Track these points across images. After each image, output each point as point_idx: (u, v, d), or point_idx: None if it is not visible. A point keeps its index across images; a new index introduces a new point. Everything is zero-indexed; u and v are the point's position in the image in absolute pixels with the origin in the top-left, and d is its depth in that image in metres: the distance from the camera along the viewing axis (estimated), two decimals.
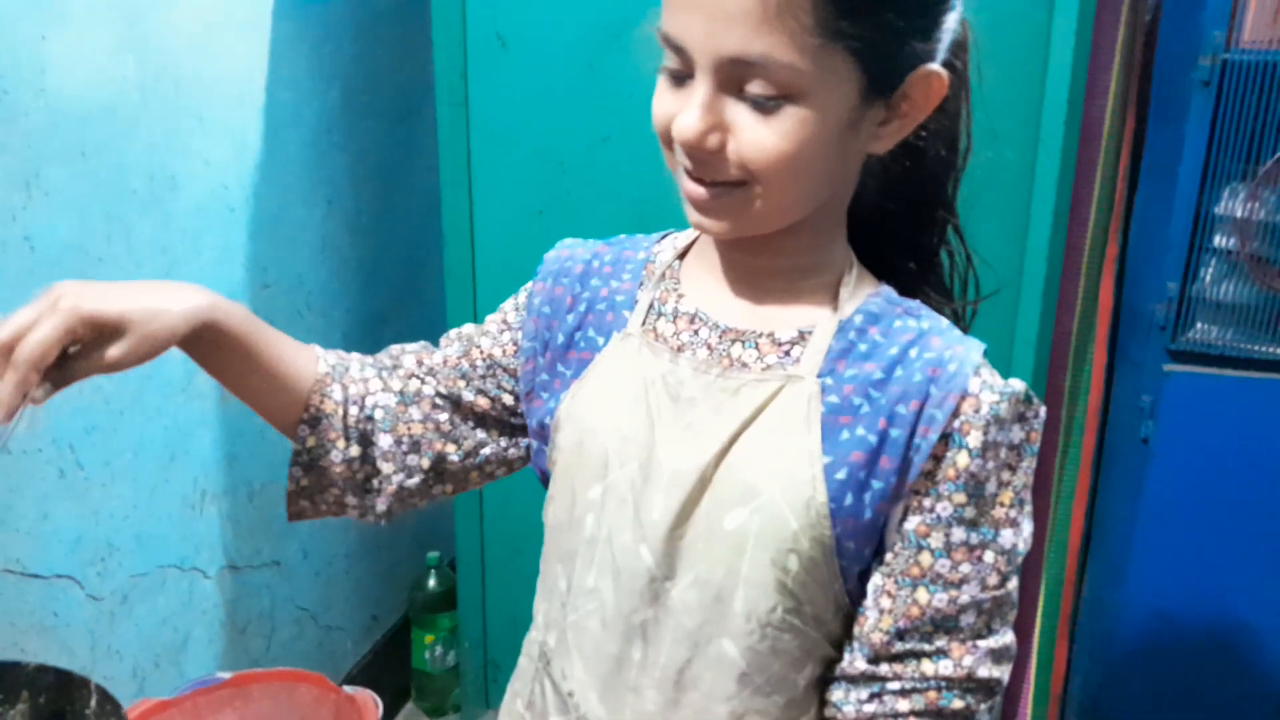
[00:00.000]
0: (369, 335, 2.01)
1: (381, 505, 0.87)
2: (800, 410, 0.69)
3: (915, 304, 0.73)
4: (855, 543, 0.69)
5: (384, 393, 0.85)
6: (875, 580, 0.70)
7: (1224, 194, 1.69)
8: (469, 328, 0.89)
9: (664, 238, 0.84)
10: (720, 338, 0.73)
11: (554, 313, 0.82)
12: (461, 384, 0.86)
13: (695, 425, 0.71)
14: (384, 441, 0.85)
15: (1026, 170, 1.54)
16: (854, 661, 0.70)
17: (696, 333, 0.75)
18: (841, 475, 0.67)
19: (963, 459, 0.66)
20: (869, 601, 0.70)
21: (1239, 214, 1.68)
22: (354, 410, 0.84)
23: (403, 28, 1.99)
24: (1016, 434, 0.68)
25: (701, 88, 0.63)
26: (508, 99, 1.62)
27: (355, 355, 0.88)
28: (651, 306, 0.77)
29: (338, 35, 1.81)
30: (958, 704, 0.68)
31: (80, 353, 0.70)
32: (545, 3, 1.57)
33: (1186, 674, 1.87)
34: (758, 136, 0.63)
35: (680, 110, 0.65)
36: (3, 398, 0.66)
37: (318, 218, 1.81)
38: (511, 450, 0.88)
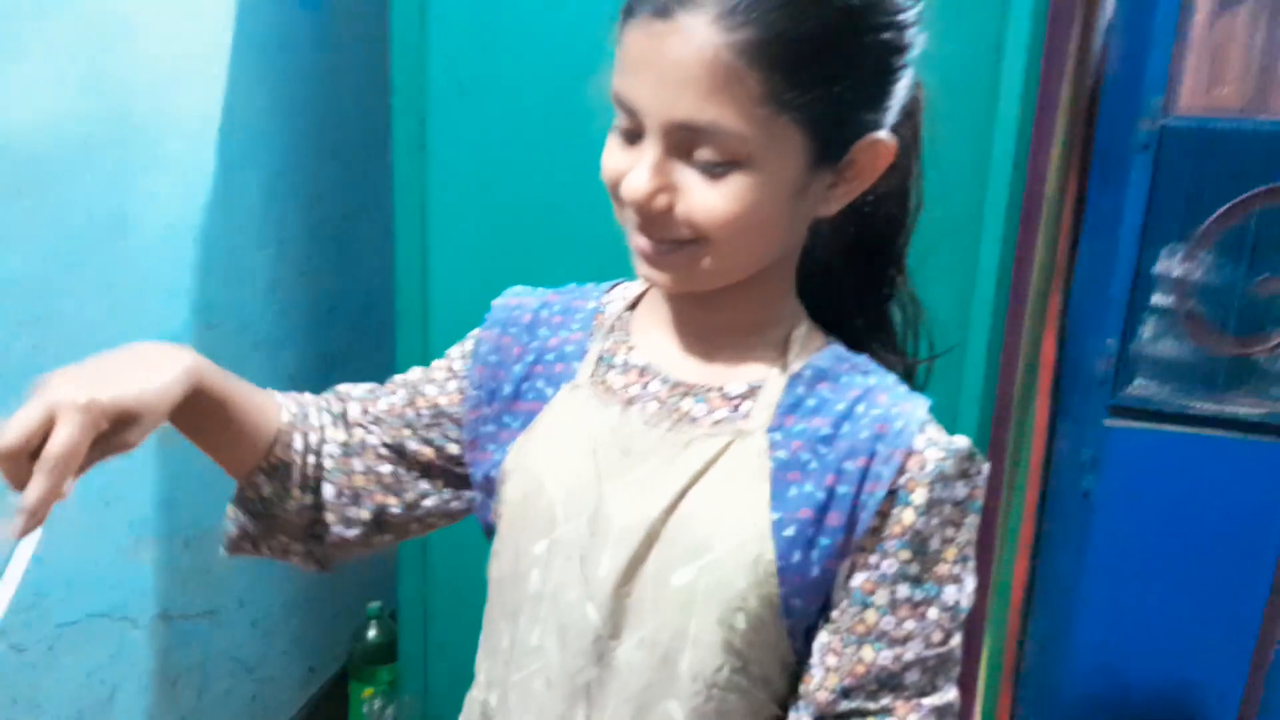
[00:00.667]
0: (317, 378, 1.97)
1: (323, 553, 0.86)
2: (749, 465, 0.69)
3: (863, 359, 0.74)
4: (803, 600, 0.68)
5: (334, 443, 0.84)
6: (821, 638, 0.69)
7: (1162, 254, 1.75)
8: (414, 373, 0.87)
9: (614, 287, 0.84)
10: (670, 391, 0.73)
11: (501, 362, 0.81)
12: (406, 433, 0.84)
13: (645, 480, 0.71)
14: (328, 491, 0.83)
15: (973, 229, 1.57)
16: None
17: (646, 385, 0.74)
18: (790, 532, 0.67)
19: (908, 516, 0.67)
20: (815, 659, 0.69)
21: (1177, 273, 1.74)
22: (311, 460, 0.83)
23: (363, 72, 2.00)
24: (960, 491, 0.68)
25: (651, 149, 0.64)
26: (466, 145, 1.63)
27: (309, 398, 0.86)
28: (601, 358, 0.77)
29: (296, 78, 1.81)
30: None
31: (96, 442, 0.66)
32: (506, 52, 1.58)
33: None
34: (705, 200, 0.64)
35: (630, 169, 0.65)
36: (32, 504, 0.64)
37: (268, 259, 1.78)
38: (454, 502, 0.87)
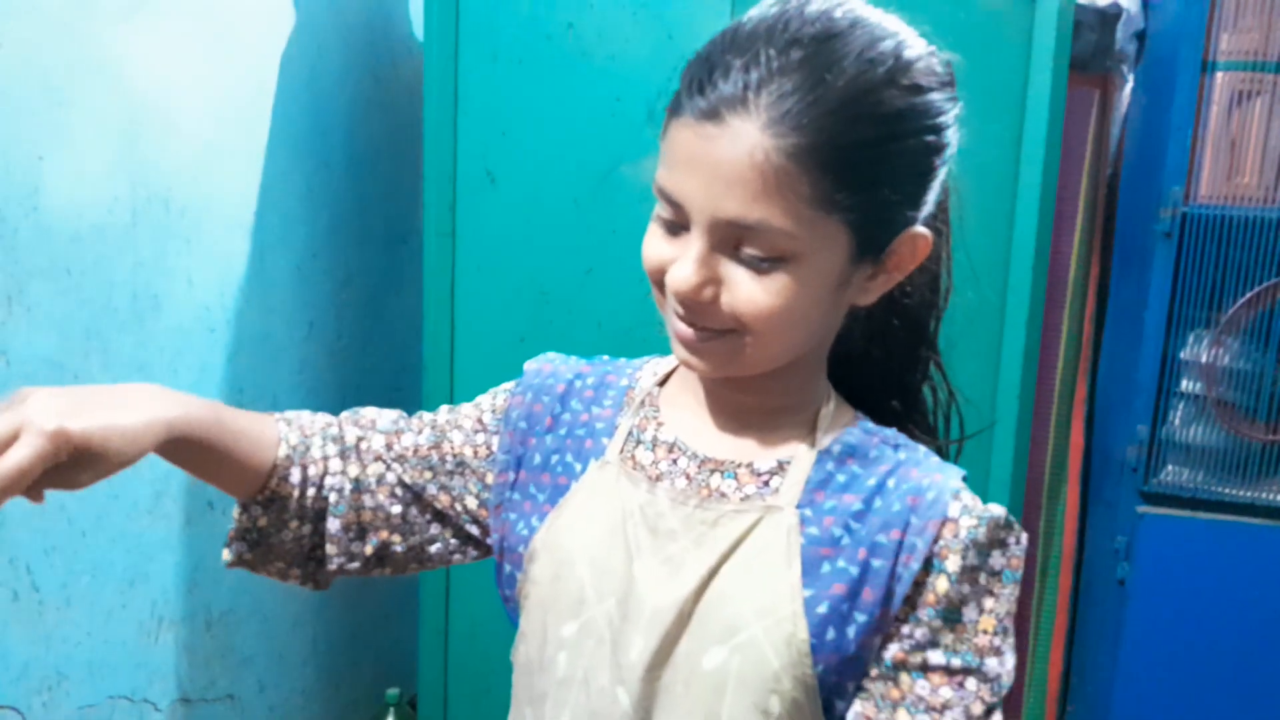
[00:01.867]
0: None
1: (321, 577, 0.87)
2: (780, 542, 0.68)
3: (892, 433, 0.74)
4: (839, 677, 0.67)
5: (342, 475, 0.83)
6: (855, 707, 0.68)
7: (1189, 340, 1.74)
8: (441, 414, 0.86)
9: (646, 363, 0.84)
10: (699, 467, 0.73)
11: (530, 429, 0.81)
12: (428, 475, 0.83)
13: (675, 558, 0.70)
14: (333, 526, 0.83)
15: (996, 314, 1.58)
16: None
17: (675, 462, 0.74)
18: (823, 609, 0.66)
19: (942, 584, 0.66)
20: None
21: (1204, 359, 1.73)
22: (310, 491, 0.81)
23: (395, 160, 2.05)
24: (997, 560, 0.67)
25: (697, 243, 0.65)
26: (494, 231, 1.66)
27: (319, 425, 0.84)
28: (630, 434, 0.77)
29: (331, 165, 1.86)
30: None
31: (52, 470, 0.66)
32: (534, 142, 1.63)
33: None
34: (751, 294, 0.64)
35: (674, 259, 0.66)
36: None
37: (298, 339, 1.81)
38: (457, 554, 0.86)
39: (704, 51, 0.65)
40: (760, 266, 0.64)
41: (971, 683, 0.67)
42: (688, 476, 0.73)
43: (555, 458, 0.79)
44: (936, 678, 0.66)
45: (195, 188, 1.49)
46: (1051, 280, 1.69)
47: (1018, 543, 0.68)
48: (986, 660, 0.67)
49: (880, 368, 0.79)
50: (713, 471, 0.73)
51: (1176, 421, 1.77)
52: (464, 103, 1.63)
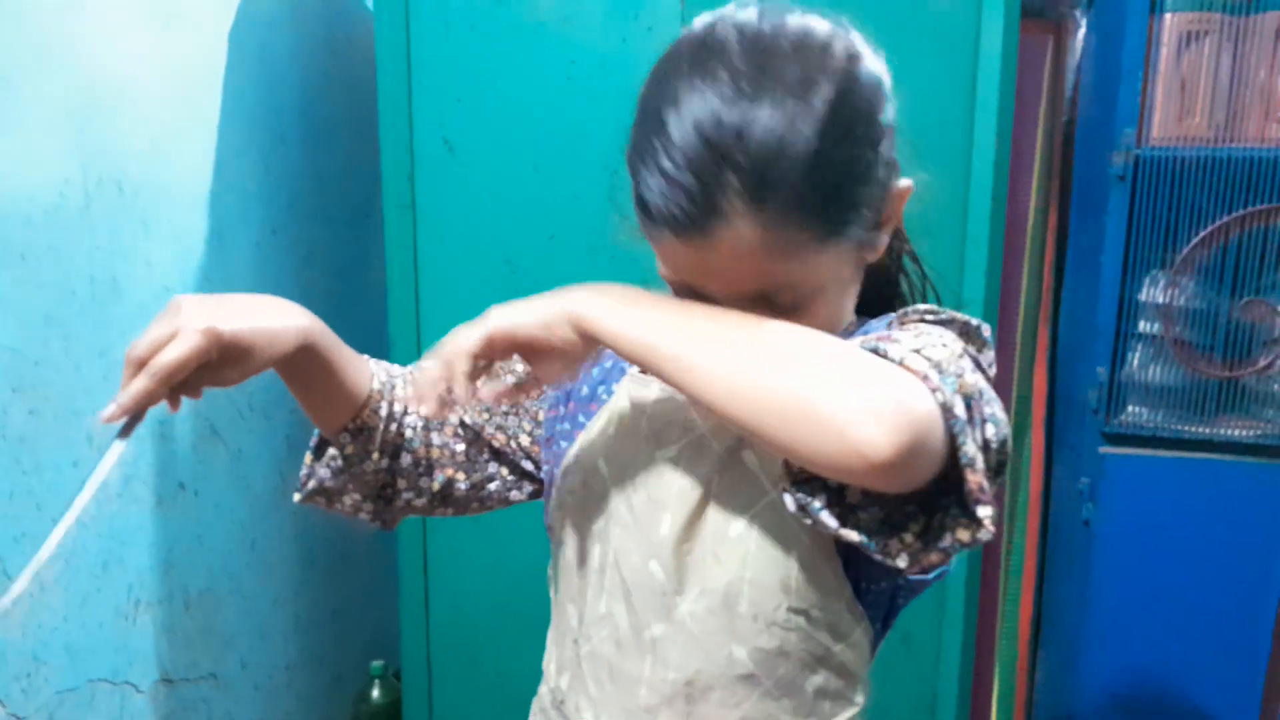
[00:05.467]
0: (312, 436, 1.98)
1: (389, 515, 0.93)
2: None
3: (883, 318, 0.76)
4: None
5: (414, 414, 0.89)
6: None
7: (1145, 281, 1.77)
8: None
9: None
10: None
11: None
12: (484, 417, 0.91)
13: (694, 445, 0.75)
14: (405, 460, 0.90)
15: (955, 266, 1.60)
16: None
17: None
18: None
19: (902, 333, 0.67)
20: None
21: (1161, 300, 1.76)
22: (393, 427, 0.88)
23: (351, 133, 2.03)
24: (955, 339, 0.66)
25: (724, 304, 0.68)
26: (455, 201, 1.66)
27: (398, 369, 0.91)
28: None
29: (287, 140, 1.84)
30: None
31: (203, 368, 0.72)
32: (491, 109, 1.62)
33: None
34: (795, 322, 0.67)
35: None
36: (126, 398, 0.69)
37: None
38: (514, 491, 0.93)
39: (650, 155, 0.64)
40: (792, 305, 0.67)
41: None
42: None
43: (601, 387, 0.83)
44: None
45: (149, 168, 1.47)
46: (1010, 229, 1.70)
47: (981, 328, 0.70)
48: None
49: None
50: None
51: (1135, 362, 1.80)
52: (418, 72, 1.62)
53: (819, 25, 0.66)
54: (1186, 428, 1.78)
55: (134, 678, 1.51)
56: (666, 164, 0.62)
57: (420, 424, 0.90)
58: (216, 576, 1.68)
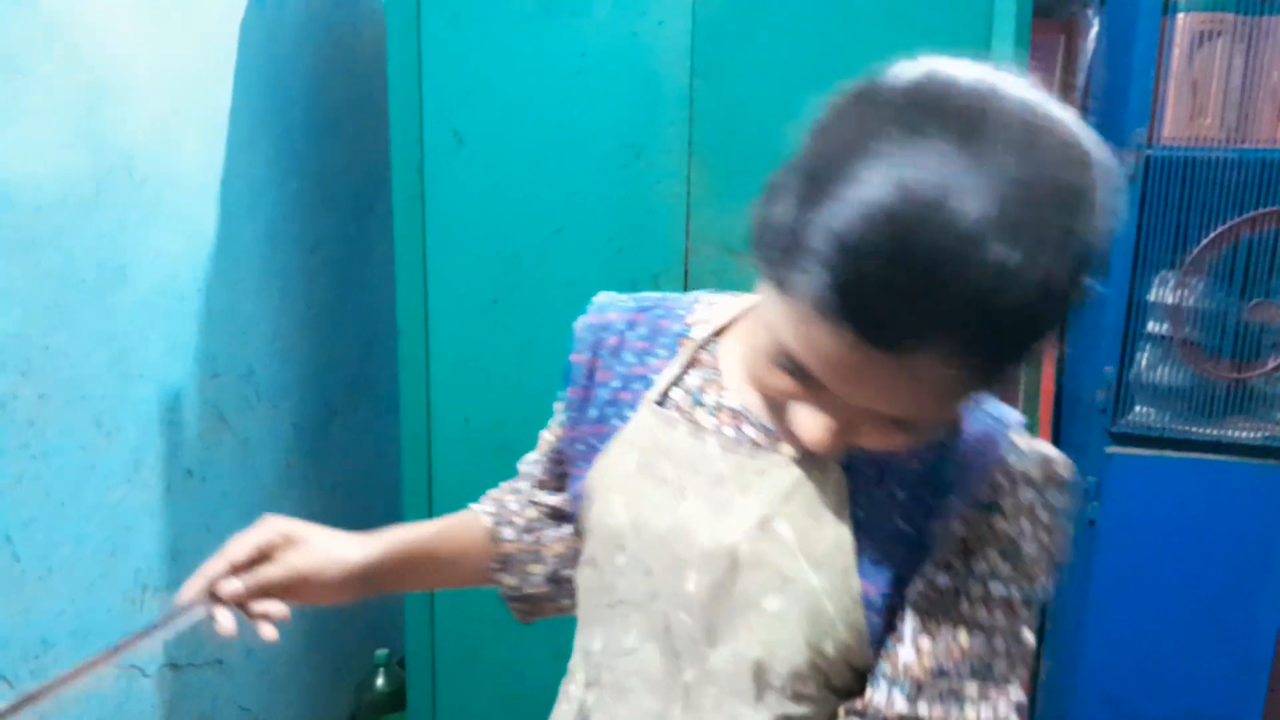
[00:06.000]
0: (320, 426, 1.99)
1: None
2: (830, 496, 0.70)
3: None
4: (891, 622, 0.70)
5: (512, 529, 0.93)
6: (911, 623, 0.69)
7: (1154, 282, 1.76)
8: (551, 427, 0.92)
9: (696, 304, 0.83)
10: (765, 437, 0.73)
11: (590, 384, 0.83)
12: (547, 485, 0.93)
13: (722, 503, 0.72)
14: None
15: None
16: (892, 702, 0.69)
17: (740, 428, 0.74)
18: (883, 568, 0.69)
19: (1000, 524, 0.67)
20: (905, 639, 0.69)
21: (1170, 301, 1.75)
22: (528, 538, 0.91)
23: (360, 124, 2.04)
24: (1054, 497, 0.68)
25: (835, 413, 0.60)
26: (463, 193, 1.66)
27: (504, 490, 0.95)
28: (688, 393, 0.77)
29: (295, 130, 1.85)
30: None
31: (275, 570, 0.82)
32: (501, 100, 1.62)
33: None
34: (895, 441, 0.62)
35: (795, 396, 0.61)
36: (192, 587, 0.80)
37: (270, 308, 1.81)
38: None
39: (851, 232, 0.51)
40: (912, 429, 0.60)
41: (1023, 610, 0.68)
42: (750, 442, 0.74)
43: (611, 409, 0.80)
44: (996, 607, 0.68)
45: (157, 157, 1.48)
46: None
47: (1070, 479, 0.69)
48: (1036, 590, 0.69)
49: None
50: (778, 439, 0.73)
51: (1143, 363, 1.80)
52: (428, 63, 1.62)
53: (1078, 133, 0.55)
54: (1193, 429, 1.78)
55: (140, 662, 1.52)
56: (879, 260, 0.50)
57: (520, 527, 0.92)
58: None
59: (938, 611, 0.68)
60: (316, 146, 1.91)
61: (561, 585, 0.92)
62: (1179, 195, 1.70)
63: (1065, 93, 1.86)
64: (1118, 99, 1.74)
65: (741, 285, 0.81)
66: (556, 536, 0.92)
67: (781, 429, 0.65)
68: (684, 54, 1.56)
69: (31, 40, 1.24)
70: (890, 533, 0.69)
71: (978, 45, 1.55)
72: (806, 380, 0.59)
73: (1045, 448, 0.69)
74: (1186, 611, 1.81)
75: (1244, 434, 1.74)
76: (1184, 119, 1.69)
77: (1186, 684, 1.82)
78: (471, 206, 1.66)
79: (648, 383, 0.79)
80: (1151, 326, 1.78)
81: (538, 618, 0.96)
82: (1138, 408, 1.82)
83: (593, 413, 0.81)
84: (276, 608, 0.83)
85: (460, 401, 1.71)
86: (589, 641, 0.81)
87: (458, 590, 1.81)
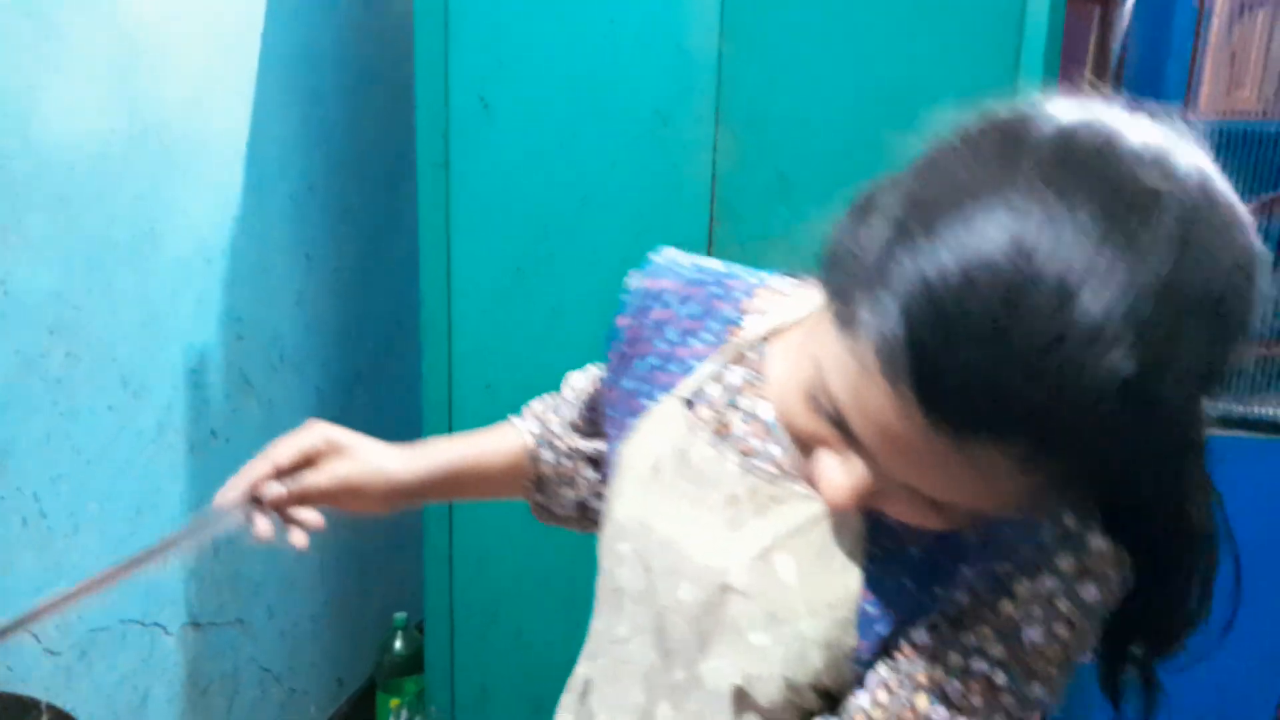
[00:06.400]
0: (343, 392, 2.01)
1: None
2: (846, 543, 0.63)
3: None
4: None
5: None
6: (880, 670, 0.63)
7: None
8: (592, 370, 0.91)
9: (759, 289, 0.74)
10: (790, 462, 0.67)
11: (632, 351, 0.78)
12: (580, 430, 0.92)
13: (734, 520, 0.67)
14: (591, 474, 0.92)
15: None
16: None
17: (765, 444, 0.68)
18: (880, 627, 0.62)
19: (1006, 608, 0.58)
20: (866, 684, 0.63)
21: None
22: (566, 463, 0.90)
23: (387, 90, 2.04)
24: (1086, 591, 0.57)
25: (865, 473, 0.52)
26: (489, 160, 1.65)
27: (547, 407, 0.93)
28: (726, 390, 0.71)
29: (323, 96, 1.85)
30: None
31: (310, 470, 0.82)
32: (527, 66, 1.61)
33: None
34: (924, 518, 0.53)
35: (831, 454, 0.54)
36: (232, 489, 0.80)
37: (297, 273, 1.82)
38: None
39: (945, 305, 0.42)
40: (944, 508, 0.51)
41: (1008, 699, 0.60)
42: (774, 463, 0.67)
43: (646, 386, 0.75)
44: (975, 685, 0.59)
45: (189, 119, 1.49)
46: None
47: (1113, 579, 0.58)
48: (1034, 685, 0.59)
49: None
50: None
51: None
52: (455, 29, 1.61)
53: (1248, 228, 0.46)
54: (1224, 406, 1.76)
55: (164, 620, 1.54)
56: (968, 327, 0.42)
57: (561, 451, 0.91)
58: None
59: (905, 669, 0.61)
60: (345, 113, 1.92)
61: (587, 513, 0.91)
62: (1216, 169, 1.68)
63: (1100, 65, 1.83)
64: (1154, 72, 1.71)
65: (770, 260, 0.79)
66: (591, 473, 0.91)
67: (803, 469, 0.57)
68: (714, 21, 1.54)
69: (68, 2, 1.25)
70: (895, 590, 0.62)
71: (1012, 15, 1.52)
72: (845, 434, 0.51)
73: (1095, 537, 0.57)
74: (1215, 588, 1.79)
75: (1273, 411, 1.72)
76: (1221, 91, 1.66)
77: (1212, 661, 1.81)
78: (497, 174, 1.66)
79: (685, 367, 0.73)
80: None
81: (557, 526, 0.97)
82: None
83: (628, 384, 0.77)
84: (313, 517, 0.82)
85: (482, 369, 1.72)
86: (595, 617, 0.78)
87: (477, 555, 1.83)
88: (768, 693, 0.66)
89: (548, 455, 0.90)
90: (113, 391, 1.39)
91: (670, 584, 0.70)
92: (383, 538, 2.19)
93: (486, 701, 1.89)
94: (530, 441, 0.91)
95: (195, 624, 1.62)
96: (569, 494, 0.91)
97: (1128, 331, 0.41)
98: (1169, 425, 0.44)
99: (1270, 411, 1.73)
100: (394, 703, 2.03)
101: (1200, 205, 0.43)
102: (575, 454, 0.90)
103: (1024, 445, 0.43)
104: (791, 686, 0.65)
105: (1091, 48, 1.81)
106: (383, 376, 2.14)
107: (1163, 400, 0.43)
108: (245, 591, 1.74)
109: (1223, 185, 0.45)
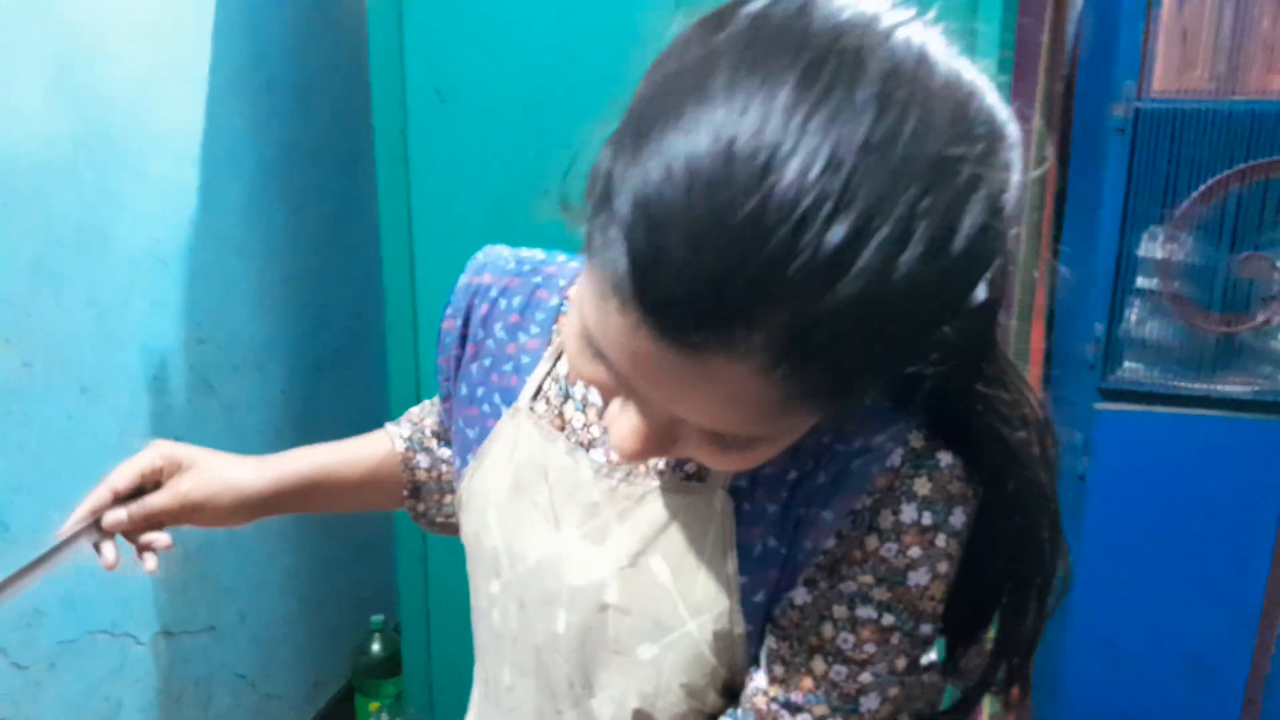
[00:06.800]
0: (308, 389, 1.98)
1: None
2: (713, 529, 0.60)
3: None
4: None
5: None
6: (769, 643, 0.61)
7: (1144, 236, 1.76)
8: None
9: (579, 273, 0.73)
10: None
11: (461, 354, 0.74)
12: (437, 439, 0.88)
13: (596, 532, 0.64)
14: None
15: None
16: None
17: (607, 430, 0.59)
18: (759, 598, 0.60)
19: (872, 542, 0.56)
20: (761, 662, 0.61)
21: (1159, 255, 1.75)
22: (443, 468, 0.86)
23: (342, 82, 2.01)
24: (955, 518, 0.56)
25: (644, 418, 0.49)
26: (446, 152, 1.64)
27: (424, 413, 0.88)
28: (558, 383, 0.68)
29: (276, 89, 1.82)
30: None
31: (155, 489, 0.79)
32: (482, 58, 1.59)
33: (1133, 707, 1.89)
34: (720, 461, 0.51)
35: (619, 402, 0.51)
36: (74, 519, 0.78)
37: (254, 271, 1.79)
38: None
39: (660, 205, 0.40)
40: (729, 444, 0.49)
41: (901, 639, 0.58)
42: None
43: (480, 391, 0.72)
44: (865, 632, 0.57)
45: (135, 116, 1.45)
46: None
47: (969, 496, 0.56)
48: (923, 625, 0.58)
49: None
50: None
51: (1133, 318, 1.80)
52: (409, 19, 1.59)
53: (984, 104, 0.45)
54: (1183, 384, 1.78)
55: (134, 629, 1.52)
56: (677, 233, 0.40)
57: (436, 456, 0.86)
58: (214, 531, 1.69)
59: (794, 634, 0.59)
60: (298, 105, 1.89)
61: None
62: (1168, 148, 1.69)
63: (1054, 44, 1.84)
64: (1107, 51, 1.72)
65: None
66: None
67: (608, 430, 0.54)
68: (669, 4, 1.53)
69: (6, 1, 1.22)
70: (765, 555, 0.59)
71: (965, 5, 1.53)
72: (612, 372, 0.48)
73: (946, 456, 0.56)
74: (1176, 565, 1.82)
75: (1233, 388, 1.75)
76: (1173, 70, 1.67)
77: (1176, 637, 1.84)
78: (456, 165, 1.64)
79: (517, 365, 0.70)
80: (1141, 281, 1.78)
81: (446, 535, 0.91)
82: (1127, 363, 1.82)
83: (463, 390, 0.73)
84: (161, 539, 0.80)
85: None
86: (478, 665, 0.75)
87: (451, 556, 1.81)
88: (668, 706, 0.63)
89: (423, 460, 0.86)
90: (70, 398, 1.37)
91: (547, 617, 0.66)
92: (350, 540, 2.17)
93: (466, 702, 1.87)
94: (401, 447, 0.87)
95: (167, 633, 1.59)
96: (450, 500, 0.87)
97: (827, 199, 0.38)
98: (911, 293, 0.40)
99: (1229, 389, 1.76)
100: (373, 706, 2.01)
101: (908, 66, 0.41)
102: (450, 460, 0.86)
103: (755, 344, 0.41)
104: (692, 693, 0.62)
105: (1046, 26, 1.82)
106: (347, 370, 2.12)
107: (891, 264, 0.39)
108: (216, 597, 1.72)
109: (947, 54, 0.44)
